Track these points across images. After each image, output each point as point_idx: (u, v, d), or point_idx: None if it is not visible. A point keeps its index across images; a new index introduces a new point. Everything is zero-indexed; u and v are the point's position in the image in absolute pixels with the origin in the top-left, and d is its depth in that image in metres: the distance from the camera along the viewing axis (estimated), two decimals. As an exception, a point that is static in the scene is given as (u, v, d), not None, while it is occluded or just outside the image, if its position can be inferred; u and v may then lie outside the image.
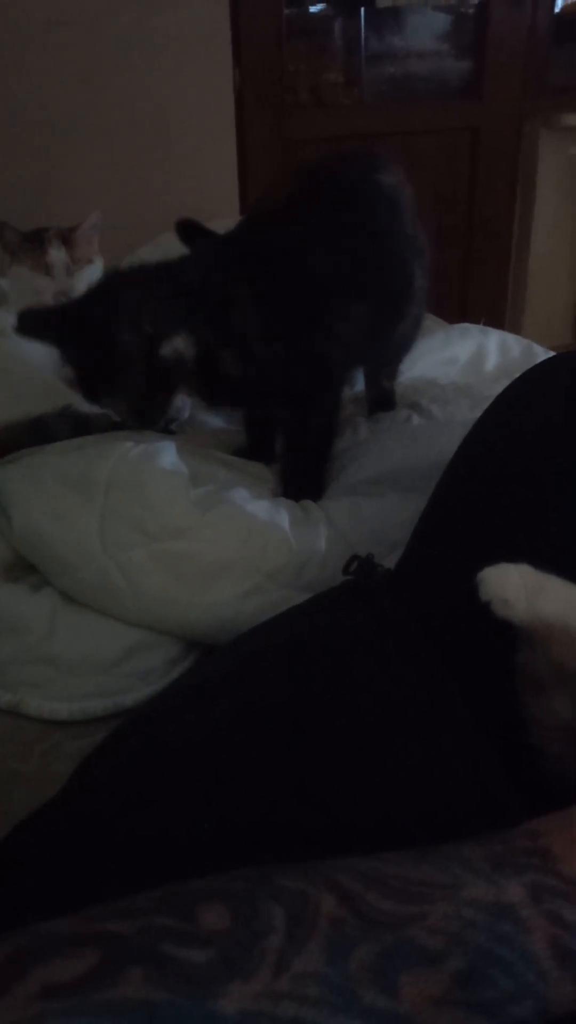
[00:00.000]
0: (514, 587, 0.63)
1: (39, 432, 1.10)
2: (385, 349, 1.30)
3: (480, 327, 1.65)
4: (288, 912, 0.39)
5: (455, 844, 0.44)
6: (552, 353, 1.10)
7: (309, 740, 0.62)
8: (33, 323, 1.06)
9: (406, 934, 0.39)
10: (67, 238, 1.48)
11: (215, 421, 1.30)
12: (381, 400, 1.36)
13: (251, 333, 1.05)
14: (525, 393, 0.84)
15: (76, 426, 1.13)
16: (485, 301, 2.80)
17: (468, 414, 1.19)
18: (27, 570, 0.99)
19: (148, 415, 1.08)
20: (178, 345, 1.01)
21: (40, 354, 1.27)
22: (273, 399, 1.13)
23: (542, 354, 1.53)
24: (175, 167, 2.17)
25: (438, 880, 0.41)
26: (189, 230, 1.29)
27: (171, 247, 1.29)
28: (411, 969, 0.38)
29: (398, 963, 0.38)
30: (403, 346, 1.34)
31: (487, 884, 0.41)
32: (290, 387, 1.11)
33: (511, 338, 1.63)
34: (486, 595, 0.64)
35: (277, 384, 1.10)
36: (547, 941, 0.39)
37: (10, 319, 1.09)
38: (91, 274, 1.48)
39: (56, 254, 1.45)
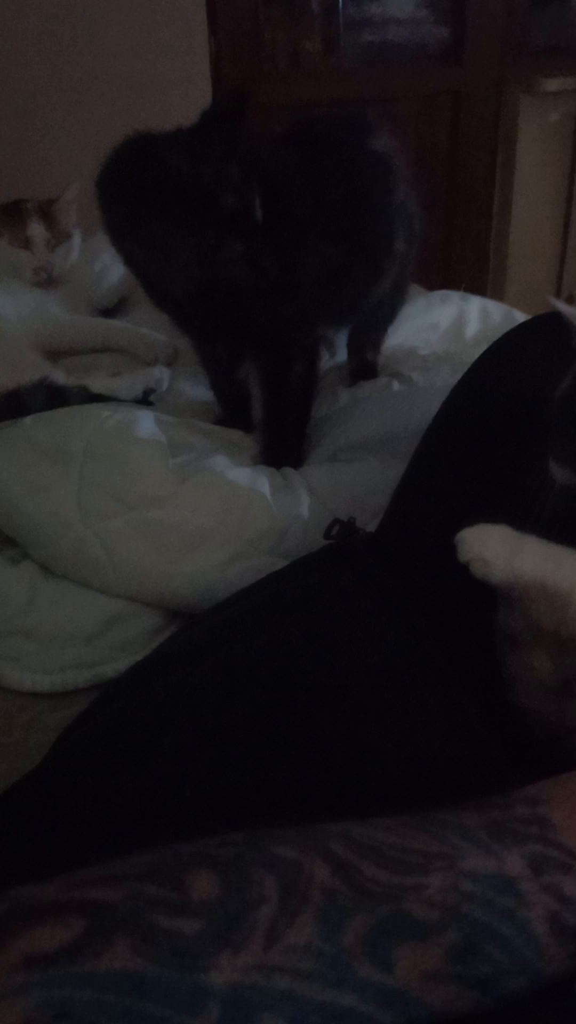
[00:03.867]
0: (493, 547, 0.64)
1: (14, 405, 1.08)
2: (363, 308, 1.26)
3: (461, 294, 1.64)
4: (280, 881, 0.38)
5: (451, 810, 0.43)
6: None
7: (294, 700, 0.62)
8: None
9: (402, 906, 0.38)
10: (46, 211, 1.45)
11: (194, 391, 1.29)
12: (363, 371, 1.35)
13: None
14: (503, 356, 0.84)
15: (52, 398, 1.11)
16: (466, 268, 2.78)
17: (449, 380, 1.17)
18: (5, 542, 0.99)
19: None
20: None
21: (14, 326, 1.25)
22: (253, 333, 1.09)
23: (523, 320, 1.51)
24: (152, 137, 2.15)
25: (435, 849, 0.40)
26: None
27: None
28: (406, 943, 0.37)
29: (393, 936, 0.37)
30: (386, 314, 1.32)
31: (486, 854, 0.40)
32: (269, 320, 1.07)
33: (492, 304, 1.61)
34: (465, 555, 0.64)
35: (260, 312, 1.05)
36: (547, 917, 0.39)
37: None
38: (70, 249, 1.47)
39: (37, 228, 1.43)
